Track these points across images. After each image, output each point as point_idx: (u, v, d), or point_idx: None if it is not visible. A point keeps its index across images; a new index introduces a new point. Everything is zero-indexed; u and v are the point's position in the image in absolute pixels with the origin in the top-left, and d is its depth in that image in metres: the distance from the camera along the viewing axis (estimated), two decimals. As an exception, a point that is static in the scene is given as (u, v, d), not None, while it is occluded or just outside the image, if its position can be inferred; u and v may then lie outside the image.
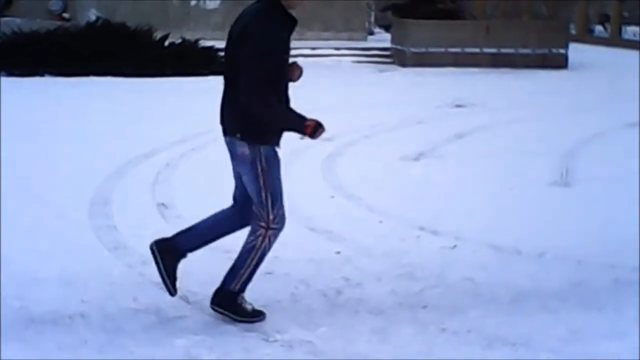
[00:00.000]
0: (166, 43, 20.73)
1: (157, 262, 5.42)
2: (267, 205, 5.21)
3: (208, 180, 9.34)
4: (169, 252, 5.43)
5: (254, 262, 5.33)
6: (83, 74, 18.44)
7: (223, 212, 5.61)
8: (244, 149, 5.21)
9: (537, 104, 16.12)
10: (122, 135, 11.90)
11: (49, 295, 5.73)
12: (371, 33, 30.03)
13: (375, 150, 11.20)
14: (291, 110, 5.26)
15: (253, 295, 5.74)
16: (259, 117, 5.10)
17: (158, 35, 20.70)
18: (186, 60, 19.88)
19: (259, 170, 5.20)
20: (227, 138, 5.37)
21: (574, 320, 5.45)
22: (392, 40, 25.39)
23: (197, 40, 20.95)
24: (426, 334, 5.21)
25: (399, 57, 23.91)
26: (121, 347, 4.98)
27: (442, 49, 23.22)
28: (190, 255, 6.55)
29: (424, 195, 8.72)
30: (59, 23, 22.26)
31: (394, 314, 5.52)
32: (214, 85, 19.27)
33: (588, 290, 6.03)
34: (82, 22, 22.18)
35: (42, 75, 18.50)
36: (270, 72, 5.06)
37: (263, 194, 5.21)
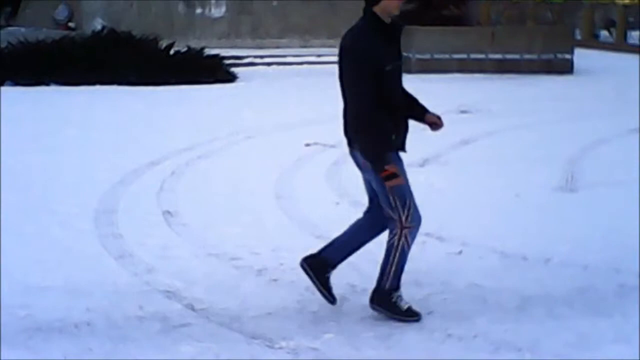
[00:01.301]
0: (171, 52, 20.73)
1: (310, 278, 5.69)
2: (396, 208, 5.42)
3: (214, 188, 9.36)
4: (318, 267, 5.67)
5: (395, 260, 5.51)
6: (88, 83, 18.44)
7: (358, 222, 5.82)
8: (364, 160, 5.42)
9: (543, 109, 16.08)
10: (128, 144, 11.91)
11: (55, 304, 5.74)
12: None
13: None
14: (392, 137, 5.45)
15: (259, 302, 5.77)
16: (360, 140, 5.39)
17: (163, 44, 20.70)
18: (191, 69, 19.85)
19: (375, 177, 5.40)
20: (350, 149, 5.59)
21: (580, 325, 5.45)
22: (397, 47, 25.37)
23: (202, 49, 20.95)
24: (432, 340, 5.22)
25: (404, 64, 23.87)
26: (127, 355, 4.99)
27: (447, 55, 23.18)
28: (194, 264, 6.59)
29: (429, 202, 8.65)
30: (64, 32, 22.27)
31: (400, 320, 5.51)
32: (219, 94, 19.40)
33: (594, 295, 6.03)
34: (88, 31, 22.19)
35: (47, 84, 18.51)
36: (367, 86, 5.26)
37: (391, 198, 5.40)
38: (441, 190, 9.29)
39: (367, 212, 5.77)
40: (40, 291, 5.95)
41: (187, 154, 11.21)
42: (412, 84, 22.24)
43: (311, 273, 5.66)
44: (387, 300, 5.53)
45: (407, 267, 6.48)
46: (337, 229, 7.51)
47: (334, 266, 5.71)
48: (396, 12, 5.45)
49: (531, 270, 6.57)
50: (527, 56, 23.35)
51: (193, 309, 5.69)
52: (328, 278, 5.69)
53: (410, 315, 5.51)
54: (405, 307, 5.53)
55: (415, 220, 5.46)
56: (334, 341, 5.20)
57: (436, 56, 23.31)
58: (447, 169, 10.47)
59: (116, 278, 6.31)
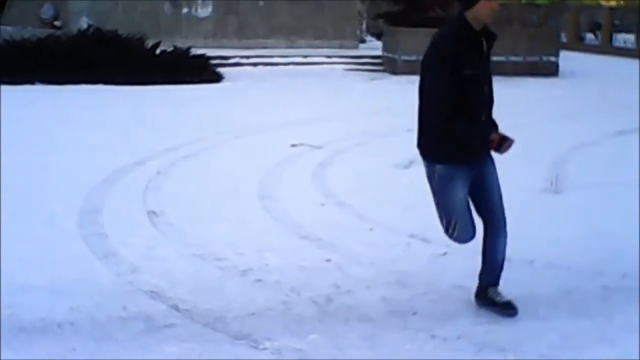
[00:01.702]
0: (158, 51, 20.72)
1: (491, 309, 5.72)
2: (443, 223, 5.53)
3: (199, 188, 9.35)
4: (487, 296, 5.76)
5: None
6: (74, 82, 18.41)
7: (485, 236, 5.80)
8: (425, 167, 5.52)
9: (528, 111, 16.14)
10: (113, 143, 11.88)
11: (39, 304, 5.72)
12: (362, 41, 30.03)
13: (366, 158, 11.21)
14: (480, 127, 5.41)
15: (243, 302, 5.76)
16: (445, 137, 5.34)
17: (149, 43, 20.69)
18: (178, 69, 19.86)
19: (434, 187, 5.48)
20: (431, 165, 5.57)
21: (563, 326, 5.47)
22: (384, 49, 25.40)
23: (188, 49, 20.95)
24: (416, 341, 5.22)
25: (390, 65, 23.92)
26: (110, 355, 4.98)
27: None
28: (179, 264, 6.59)
29: (414, 203, 8.69)
30: (50, 31, 22.23)
31: (384, 321, 5.53)
32: (205, 94, 19.36)
33: (578, 296, 6.04)
34: (74, 30, 22.15)
35: (33, 83, 18.47)
36: (445, 92, 5.21)
37: (440, 212, 5.51)
38: (426, 191, 9.25)
39: (484, 219, 5.75)
40: (23, 291, 5.92)
41: (172, 153, 11.19)
42: (398, 85, 22.45)
43: (492, 307, 5.70)
44: (484, 295, 5.71)
45: (391, 268, 6.53)
46: (322, 230, 7.57)
47: (493, 285, 5.78)
48: (488, 20, 5.35)
49: (515, 271, 6.55)
50: (512, 58, 23.41)
51: (177, 309, 5.68)
52: (493, 299, 5.73)
53: (508, 308, 5.60)
54: (502, 301, 5.64)
55: (460, 239, 5.62)
56: (318, 341, 5.20)
57: (421, 58, 23.33)
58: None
59: (100, 278, 6.29)
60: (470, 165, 5.44)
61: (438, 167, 5.40)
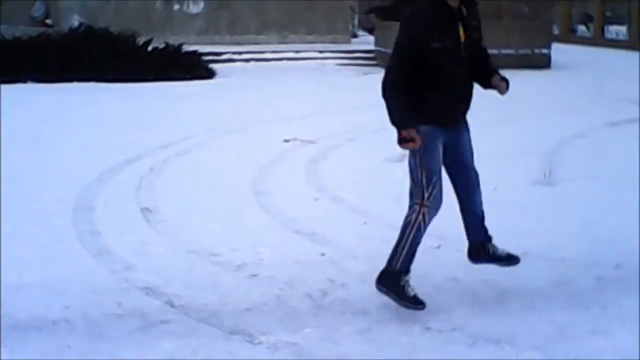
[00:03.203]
0: (149, 48, 20.70)
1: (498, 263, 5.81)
2: (422, 183, 5.42)
3: (192, 184, 9.34)
4: (483, 252, 5.82)
5: (410, 239, 5.47)
6: (66, 80, 18.39)
7: (462, 195, 5.83)
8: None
9: (520, 104, 16.13)
10: (106, 141, 11.87)
11: (33, 302, 5.71)
12: (355, 36, 30.04)
13: (359, 152, 11.21)
14: (422, 106, 5.40)
15: (238, 297, 5.76)
16: (388, 105, 5.39)
17: (141, 40, 20.67)
18: (170, 65, 19.84)
19: (416, 153, 5.40)
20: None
21: (558, 318, 5.46)
22: (376, 43, 25.40)
23: (180, 45, 20.93)
24: (411, 334, 5.22)
25: (382, 60, 23.91)
26: (105, 353, 4.97)
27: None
28: (173, 260, 6.58)
29: (407, 197, 8.70)
30: (41, 29, 22.20)
31: (379, 315, 5.53)
32: (197, 90, 19.32)
33: (572, 288, 6.05)
34: (65, 28, 22.12)
35: (24, 81, 18.44)
36: (406, 61, 5.27)
37: (419, 172, 5.42)
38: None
39: (455, 184, 5.79)
40: (17, 289, 5.91)
41: (165, 150, 11.19)
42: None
43: (488, 259, 5.75)
44: (395, 283, 5.46)
45: (385, 262, 6.51)
46: (316, 224, 7.56)
47: (490, 239, 5.81)
48: None
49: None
50: (504, 51, 23.41)
51: (172, 305, 5.68)
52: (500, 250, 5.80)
53: (415, 303, 5.44)
54: (412, 293, 5.47)
55: (435, 201, 5.45)
56: (313, 336, 5.20)
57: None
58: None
59: (94, 275, 6.29)
60: (447, 129, 5.53)
61: (422, 127, 5.36)
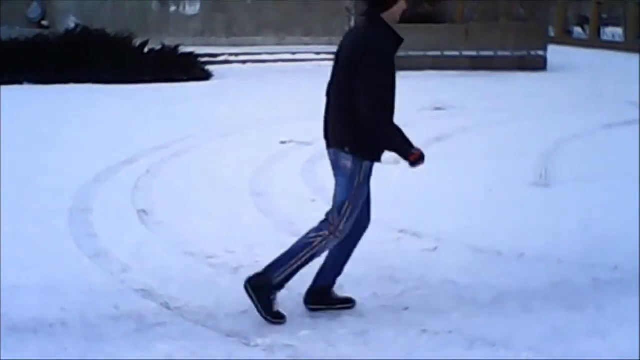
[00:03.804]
0: (146, 49, 20.67)
1: (327, 309, 5.62)
2: (344, 215, 5.38)
3: (188, 186, 9.34)
4: (322, 297, 5.65)
5: (303, 260, 5.43)
6: (62, 81, 18.35)
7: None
8: (347, 162, 5.36)
9: (516, 105, 16.16)
10: (102, 142, 11.86)
11: (30, 303, 5.71)
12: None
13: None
14: (401, 132, 5.41)
15: (235, 299, 5.75)
16: (376, 133, 5.29)
17: (137, 41, 20.64)
18: (166, 67, 19.81)
19: (355, 184, 5.37)
20: (332, 150, 5.48)
21: (555, 319, 5.47)
22: (372, 44, 25.39)
23: (176, 47, 20.91)
24: (407, 336, 5.23)
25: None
26: (102, 354, 4.97)
27: (422, 53, 23.22)
28: (169, 262, 6.58)
29: (404, 198, 8.72)
30: (37, 31, 22.16)
31: (375, 317, 5.54)
32: (193, 92, 19.30)
33: (568, 289, 6.06)
34: (61, 29, 22.08)
35: (21, 83, 18.41)
36: (388, 91, 5.28)
37: (346, 205, 5.38)
38: (416, 186, 9.30)
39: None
40: (14, 290, 5.91)
41: (162, 151, 11.18)
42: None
43: (323, 307, 5.61)
44: (265, 293, 5.38)
45: (382, 263, 6.54)
46: (313, 226, 7.54)
47: (332, 285, 5.68)
48: (397, 21, 5.43)
49: (505, 265, 6.60)
50: (500, 53, 23.45)
51: (168, 307, 5.68)
52: (336, 296, 5.68)
53: (278, 318, 5.39)
54: (276, 309, 5.41)
55: (342, 235, 5.43)
56: (309, 338, 5.20)
57: (410, 53, 23.28)
58: (421, 166, 10.46)
59: (91, 277, 6.28)
60: None
61: (366, 163, 5.37)
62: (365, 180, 5.41)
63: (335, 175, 5.51)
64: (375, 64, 5.23)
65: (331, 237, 5.41)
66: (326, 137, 5.56)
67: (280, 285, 5.44)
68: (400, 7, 5.39)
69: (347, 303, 5.67)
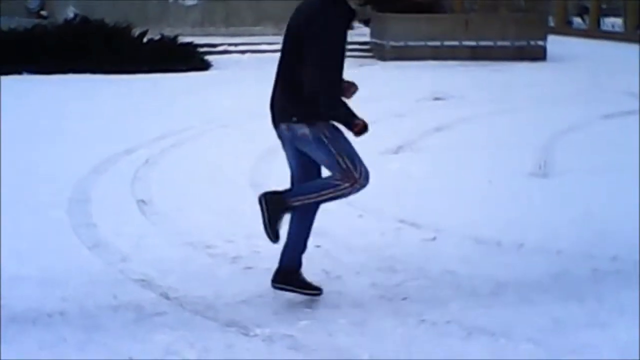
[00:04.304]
0: (145, 40, 20.67)
1: (291, 291, 5.60)
2: (349, 168, 5.33)
3: (187, 176, 9.34)
4: (288, 279, 5.60)
5: (327, 196, 5.42)
6: (61, 71, 18.35)
7: (294, 213, 5.65)
8: (304, 130, 5.32)
9: (516, 96, 16.15)
10: (102, 133, 11.85)
11: (29, 294, 5.71)
12: (350, 27, 30.01)
13: (354, 144, 11.17)
14: (345, 104, 5.39)
15: (234, 289, 5.76)
16: (320, 104, 5.23)
17: (137, 32, 20.63)
18: (165, 57, 19.81)
19: (326, 141, 5.32)
20: (283, 125, 5.43)
21: (554, 310, 5.46)
22: (372, 35, 25.38)
23: (176, 37, 20.91)
24: (406, 326, 5.22)
25: (378, 51, 23.92)
26: (101, 344, 4.97)
27: (422, 43, 23.24)
28: (168, 252, 6.58)
29: (403, 189, 8.72)
30: (37, 21, 22.16)
31: (374, 307, 5.53)
32: (193, 82, 19.27)
33: (568, 280, 6.05)
34: (60, 19, 22.07)
35: (20, 73, 18.41)
36: (335, 63, 5.24)
37: (340, 160, 5.33)
38: (415, 177, 9.31)
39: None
40: (14, 281, 5.90)
41: (161, 142, 11.18)
42: (386, 71, 22.44)
43: (288, 288, 5.58)
44: (277, 207, 5.48)
45: (381, 254, 6.54)
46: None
47: (299, 267, 5.64)
48: None
49: (505, 255, 6.59)
50: (500, 43, 23.45)
51: (167, 297, 5.68)
52: (303, 279, 5.63)
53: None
54: (278, 228, 5.49)
55: (366, 179, 5.38)
56: (308, 328, 5.20)
57: (410, 43, 23.36)
58: (421, 156, 10.50)
59: (90, 267, 6.28)
60: None
61: (321, 123, 5.31)
62: (334, 135, 5.33)
63: (301, 148, 5.43)
64: (323, 36, 5.20)
65: (357, 184, 5.35)
66: (273, 114, 5.49)
67: (293, 208, 5.47)
68: None
69: (313, 290, 5.61)
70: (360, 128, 5.29)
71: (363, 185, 5.39)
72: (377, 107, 14.13)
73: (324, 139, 5.32)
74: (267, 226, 5.44)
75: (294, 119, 5.33)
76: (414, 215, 7.60)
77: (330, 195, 5.41)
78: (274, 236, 5.45)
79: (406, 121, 12.72)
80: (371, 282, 5.95)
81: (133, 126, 12.30)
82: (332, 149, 5.32)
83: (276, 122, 5.48)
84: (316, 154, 5.38)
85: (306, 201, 5.44)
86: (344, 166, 5.33)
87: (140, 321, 5.30)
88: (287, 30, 5.44)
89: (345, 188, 5.37)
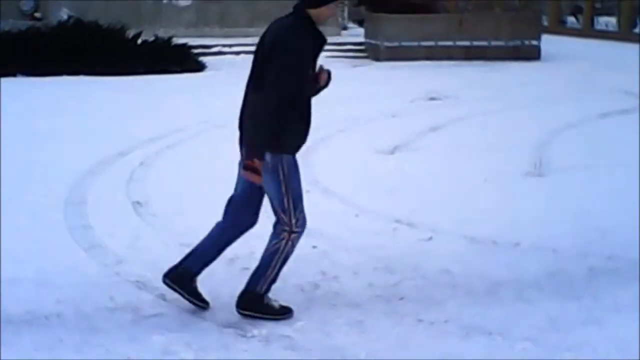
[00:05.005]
0: (139, 41, 20.64)
1: (178, 292, 5.48)
2: (289, 210, 5.31)
3: (183, 177, 9.33)
4: (182, 279, 5.48)
5: (278, 264, 5.39)
6: (56, 73, 18.32)
7: (218, 226, 5.66)
8: (265, 158, 5.25)
9: (511, 95, 16.16)
10: (96, 134, 11.83)
11: (25, 296, 5.70)
12: (344, 28, 29.98)
13: (350, 144, 11.20)
14: (294, 141, 5.39)
15: (231, 290, 5.74)
16: (277, 130, 5.19)
17: (131, 33, 20.60)
18: (159, 58, 19.78)
19: (281, 177, 5.29)
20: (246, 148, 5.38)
21: (550, 308, 5.47)
22: (366, 35, 25.38)
23: (170, 38, 20.87)
24: (403, 326, 5.23)
25: (372, 52, 23.92)
26: (98, 346, 4.96)
27: (416, 43, 23.24)
28: (165, 253, 6.56)
29: (399, 189, 8.73)
30: (30, 23, 22.11)
31: (371, 307, 5.53)
32: (187, 83, 19.27)
33: (564, 278, 6.06)
34: (54, 21, 22.02)
35: (14, 75, 18.37)
36: (292, 88, 5.15)
37: (286, 200, 5.30)
38: (411, 176, 9.31)
39: (228, 214, 5.65)
40: (9, 283, 5.89)
41: (156, 143, 11.16)
42: (381, 71, 22.46)
43: (176, 287, 5.47)
44: (259, 304, 5.38)
45: (378, 254, 6.54)
46: (308, 217, 7.53)
47: (195, 275, 5.54)
48: (325, 22, 5.35)
49: (501, 254, 6.60)
50: (494, 43, 23.46)
51: (164, 298, 5.67)
52: (195, 287, 5.52)
53: (285, 312, 5.39)
54: (277, 305, 5.41)
55: (302, 226, 5.37)
56: (305, 328, 5.20)
57: (404, 43, 23.35)
58: (416, 156, 10.49)
59: (86, 269, 6.27)
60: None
61: (284, 156, 5.29)
62: (290, 172, 5.32)
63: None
64: (286, 59, 5.14)
65: (293, 234, 5.34)
66: (240, 134, 5.50)
67: (268, 290, 5.42)
68: (330, 9, 5.31)
69: (200, 301, 5.51)
70: (250, 166, 5.21)
71: (299, 233, 5.38)
72: (372, 107, 14.16)
73: (280, 174, 5.28)
74: (275, 316, 5.38)
75: (273, 147, 5.26)
76: (410, 215, 7.60)
77: (280, 260, 5.38)
78: (286, 312, 5.41)
79: (401, 121, 12.71)
80: (368, 282, 5.95)
81: (128, 127, 12.28)
82: (283, 187, 5.29)
83: (242, 144, 5.46)
84: (268, 184, 5.32)
85: (270, 279, 5.40)
86: (286, 206, 5.31)
87: (137, 322, 5.30)
88: (255, 51, 5.41)
89: (286, 245, 5.35)
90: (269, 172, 5.25)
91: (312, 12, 5.27)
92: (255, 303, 5.39)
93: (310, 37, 5.25)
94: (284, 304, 5.45)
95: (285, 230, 5.33)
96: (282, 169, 5.27)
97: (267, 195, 5.37)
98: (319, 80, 5.43)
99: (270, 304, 5.41)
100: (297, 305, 5.56)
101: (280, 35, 5.21)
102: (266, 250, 5.43)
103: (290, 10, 5.42)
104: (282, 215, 5.32)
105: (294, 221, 5.32)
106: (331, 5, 5.30)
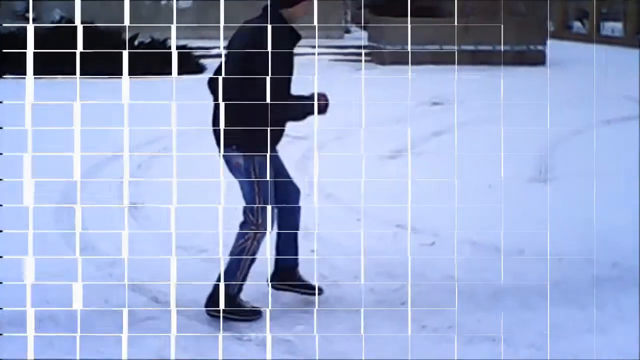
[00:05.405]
0: (136, 43, 20.60)
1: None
2: (257, 211, 5.31)
3: (178, 180, 9.22)
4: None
5: (247, 265, 5.37)
6: (49, 74, 18.25)
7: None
8: (238, 159, 5.36)
9: (515, 101, 16.08)
10: (91, 136, 11.70)
11: (17, 298, 5.59)
12: (348, 31, 29.97)
13: (351, 148, 11.11)
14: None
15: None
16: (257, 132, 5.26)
17: (129, 34, 20.54)
18: (157, 60, 19.70)
19: (253, 177, 5.34)
20: (222, 150, 5.48)
21: (554, 316, 5.40)
22: (369, 39, 25.34)
23: (166, 40, 20.82)
24: (405, 332, 5.15)
25: (376, 55, 23.87)
26: (90, 349, 4.89)
27: (420, 47, 23.18)
28: (161, 255, 6.47)
29: (401, 193, 8.60)
30: (23, 24, 22.08)
31: (373, 312, 5.45)
32: (185, 85, 19.24)
33: (568, 286, 6.01)
34: (47, 22, 21.96)
35: (6, 76, 18.32)
36: (267, 90, 5.17)
37: (256, 200, 5.31)
38: (413, 181, 9.19)
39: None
40: (2, 286, 5.81)
41: (152, 146, 11.09)
42: (385, 75, 22.43)
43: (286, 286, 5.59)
44: (232, 305, 5.34)
45: (380, 259, 6.44)
46: (307, 221, 7.43)
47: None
48: (295, 20, 5.38)
49: (505, 261, 6.51)
50: (499, 48, 23.38)
51: (159, 301, 5.61)
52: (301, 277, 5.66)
53: (255, 314, 5.36)
54: (248, 306, 5.39)
55: (267, 223, 5.36)
56: (305, 333, 5.13)
57: (409, 48, 23.28)
58: (419, 160, 10.41)
59: (80, 271, 6.17)
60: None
61: (256, 157, 5.35)
62: (263, 174, 5.33)
63: (234, 176, 5.52)
64: (259, 59, 5.16)
65: (258, 235, 5.33)
66: (216, 137, 5.56)
67: (240, 290, 5.39)
68: (303, 7, 5.34)
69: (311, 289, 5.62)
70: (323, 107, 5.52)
71: (264, 234, 5.36)
72: (375, 112, 14.05)
73: (252, 174, 5.34)
74: (247, 318, 5.34)
75: (233, 147, 5.40)
76: (413, 219, 7.50)
77: (247, 261, 5.36)
78: (256, 314, 5.38)
79: (405, 125, 12.67)
80: (370, 287, 5.88)
81: (124, 130, 12.18)
82: (255, 186, 5.33)
83: (218, 144, 5.56)
84: (241, 183, 5.41)
85: (240, 280, 5.37)
86: (254, 208, 5.32)
87: (132, 326, 5.20)
88: (228, 47, 5.51)
89: (250, 247, 5.34)
90: (243, 173, 5.34)
91: (285, 11, 5.31)
92: (227, 304, 5.32)
93: (282, 36, 5.24)
94: (256, 305, 5.40)
95: (252, 229, 5.34)
96: (254, 170, 5.34)
97: (243, 195, 5.44)
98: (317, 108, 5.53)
99: (242, 305, 5.37)
100: (297, 309, 5.48)
101: (253, 36, 5.28)
102: (231, 252, 5.42)
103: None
104: (250, 214, 5.35)
105: (260, 221, 5.33)
106: (306, 3, 5.32)
